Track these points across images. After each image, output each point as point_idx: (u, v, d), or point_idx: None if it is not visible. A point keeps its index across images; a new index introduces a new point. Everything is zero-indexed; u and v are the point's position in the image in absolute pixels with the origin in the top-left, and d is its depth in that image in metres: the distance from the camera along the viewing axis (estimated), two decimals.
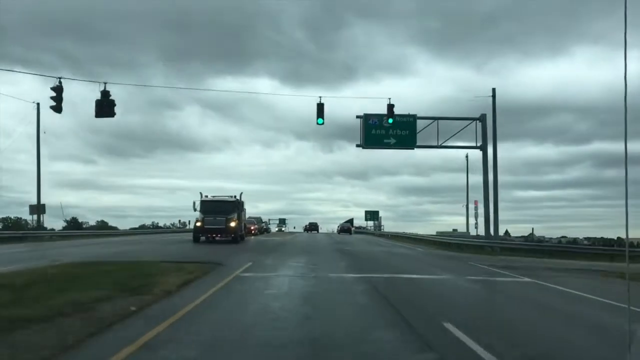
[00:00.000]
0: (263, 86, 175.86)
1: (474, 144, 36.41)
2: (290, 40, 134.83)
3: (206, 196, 36.93)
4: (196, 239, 34.80)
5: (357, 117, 34.01)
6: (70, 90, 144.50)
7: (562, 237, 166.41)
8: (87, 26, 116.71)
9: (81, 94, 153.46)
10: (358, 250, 32.03)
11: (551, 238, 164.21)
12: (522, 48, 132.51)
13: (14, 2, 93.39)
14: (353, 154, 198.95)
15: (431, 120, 35.75)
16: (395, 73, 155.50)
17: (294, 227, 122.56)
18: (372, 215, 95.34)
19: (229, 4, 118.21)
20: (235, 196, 38.04)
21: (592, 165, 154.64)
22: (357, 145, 34.54)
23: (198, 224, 35.16)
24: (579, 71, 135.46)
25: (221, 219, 34.35)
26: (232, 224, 34.75)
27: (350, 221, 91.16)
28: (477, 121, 35.68)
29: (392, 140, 32.77)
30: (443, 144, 36.10)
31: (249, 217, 53.01)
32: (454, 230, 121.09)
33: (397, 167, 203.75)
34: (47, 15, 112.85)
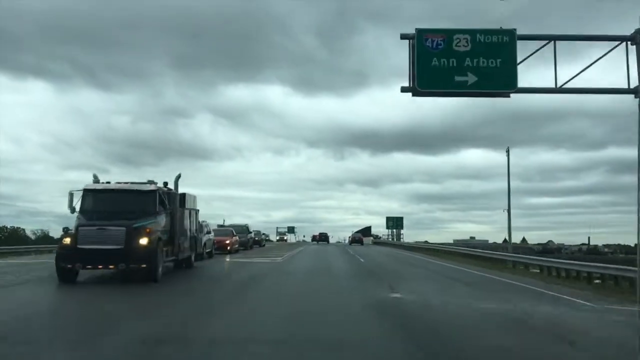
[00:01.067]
0: (274, 93, 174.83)
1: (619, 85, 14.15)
2: (301, 47, 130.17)
3: (96, 182, 19.03)
4: (64, 275, 15.98)
5: (403, 37, 15.35)
6: (83, 99, 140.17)
7: (582, 244, 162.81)
8: (99, 34, 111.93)
9: (94, 104, 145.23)
10: (422, 297, 14.50)
11: (570, 246, 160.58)
12: (537, 53, 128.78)
13: (26, 11, 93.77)
14: (365, 161, 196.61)
15: (545, 41, 14.89)
16: (407, 79, 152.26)
17: (304, 236, 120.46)
18: (394, 222, 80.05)
19: (240, 11, 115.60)
20: (153, 181, 19.26)
21: (608, 170, 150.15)
22: (404, 90, 15.55)
23: (66, 241, 16.23)
24: (595, 76, 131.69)
25: (116, 230, 16.02)
26: (142, 241, 16.11)
27: (367, 229, 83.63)
28: (628, 43, 13.87)
29: (472, 78, 14.89)
30: (565, 86, 14.27)
31: (228, 226, 39.81)
32: (472, 238, 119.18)
33: (410, 174, 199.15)
34: (59, 24, 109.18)
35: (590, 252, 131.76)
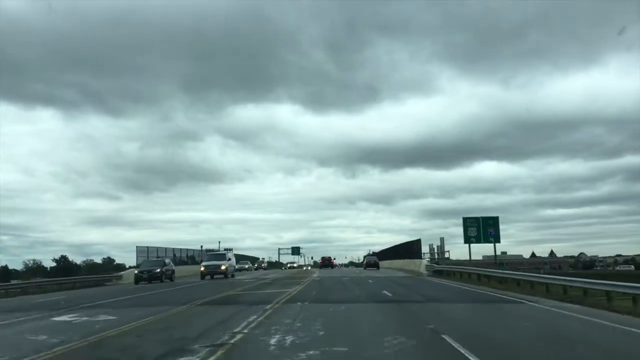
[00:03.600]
0: (284, 112, 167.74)
1: None
2: (312, 63, 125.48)
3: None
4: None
5: None
6: (92, 125, 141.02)
7: (618, 255, 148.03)
8: (107, 59, 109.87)
9: (103, 130, 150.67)
10: None
11: (605, 258, 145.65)
12: (552, 59, 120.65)
13: (33, 38, 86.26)
14: (376, 178, 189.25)
15: None
16: (419, 92, 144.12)
17: (312, 258, 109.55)
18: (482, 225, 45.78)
19: (249, 29, 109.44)
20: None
21: (624, 179, 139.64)
22: None
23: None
24: (612, 81, 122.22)
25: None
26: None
27: (412, 245, 51.57)
28: None
29: None
30: None
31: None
32: (503, 253, 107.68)
33: (423, 189, 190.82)
34: (67, 51, 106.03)
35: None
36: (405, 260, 49.66)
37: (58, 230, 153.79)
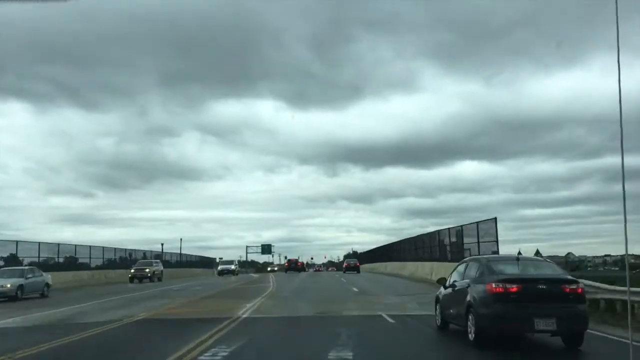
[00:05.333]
0: (266, 108, 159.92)
1: None
2: (295, 59, 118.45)
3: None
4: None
5: None
6: (65, 120, 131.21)
7: (607, 255, 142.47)
8: (82, 52, 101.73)
9: (77, 124, 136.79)
10: None
11: (594, 257, 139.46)
12: (536, 58, 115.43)
13: (5, 29, 78.25)
14: (357, 177, 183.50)
15: None
16: (402, 90, 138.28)
17: (285, 257, 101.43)
18: None
19: (231, 23, 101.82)
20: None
21: (602, 179, 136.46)
22: None
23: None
24: (594, 81, 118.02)
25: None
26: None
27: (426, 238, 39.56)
28: None
29: None
30: None
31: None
32: (519, 253, 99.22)
33: (403, 188, 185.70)
34: (40, 42, 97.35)
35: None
36: (429, 263, 33.76)
37: (31, 227, 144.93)
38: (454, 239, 32.05)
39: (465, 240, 27.66)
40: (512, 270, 9.46)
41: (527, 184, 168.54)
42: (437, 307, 11.78)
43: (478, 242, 25.01)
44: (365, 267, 66.00)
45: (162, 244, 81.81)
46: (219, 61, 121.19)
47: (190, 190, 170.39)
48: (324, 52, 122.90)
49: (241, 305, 16.64)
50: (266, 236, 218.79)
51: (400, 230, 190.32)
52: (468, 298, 9.66)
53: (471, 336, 9.36)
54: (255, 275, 51.91)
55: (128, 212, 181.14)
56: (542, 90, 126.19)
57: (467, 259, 11.81)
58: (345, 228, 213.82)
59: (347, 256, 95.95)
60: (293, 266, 65.95)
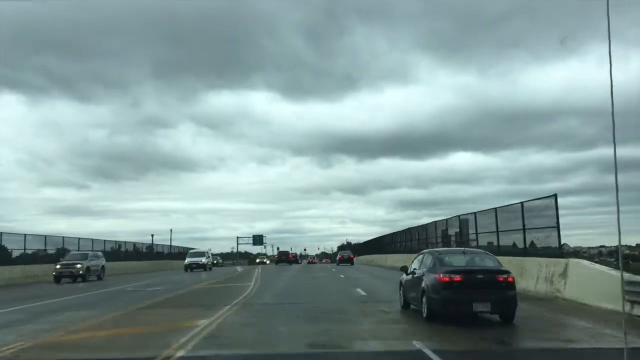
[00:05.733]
0: (260, 99, 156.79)
1: None
2: (289, 49, 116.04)
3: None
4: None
5: None
6: (58, 111, 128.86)
7: (601, 246, 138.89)
8: (75, 42, 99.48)
9: (70, 116, 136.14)
10: None
11: (589, 248, 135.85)
12: (531, 49, 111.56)
13: None
14: (351, 168, 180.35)
15: None
16: (397, 81, 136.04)
17: (278, 249, 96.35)
18: None
19: (224, 13, 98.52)
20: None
21: (596, 170, 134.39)
22: None
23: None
24: (589, 72, 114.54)
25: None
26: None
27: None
28: None
29: None
30: None
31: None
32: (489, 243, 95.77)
33: (397, 179, 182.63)
34: (33, 33, 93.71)
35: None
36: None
37: (24, 219, 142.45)
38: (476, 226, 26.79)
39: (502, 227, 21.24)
40: (458, 262, 11.57)
41: (520, 176, 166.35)
42: (401, 290, 13.63)
43: (523, 228, 18.44)
44: (361, 259, 60.41)
45: (152, 235, 76.75)
46: (212, 52, 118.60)
47: (184, 182, 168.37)
48: (318, 42, 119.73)
49: (191, 325, 10.54)
50: (260, 227, 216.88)
51: (394, 221, 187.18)
52: (423, 285, 11.62)
53: (424, 314, 11.37)
54: (240, 269, 45.07)
55: (122, 204, 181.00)
56: (536, 82, 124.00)
57: (424, 251, 13.65)
58: (339, 219, 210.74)
59: (340, 248, 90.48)
60: (284, 258, 61.07)
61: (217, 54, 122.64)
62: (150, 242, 69.79)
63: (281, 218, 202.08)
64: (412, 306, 12.74)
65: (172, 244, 71.21)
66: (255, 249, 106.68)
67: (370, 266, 45.50)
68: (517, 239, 19.42)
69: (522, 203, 18.90)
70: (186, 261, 44.02)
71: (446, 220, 31.18)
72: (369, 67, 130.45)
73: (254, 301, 15.33)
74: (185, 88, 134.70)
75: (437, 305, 10.87)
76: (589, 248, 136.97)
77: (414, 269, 12.72)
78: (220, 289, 20.78)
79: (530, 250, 18.20)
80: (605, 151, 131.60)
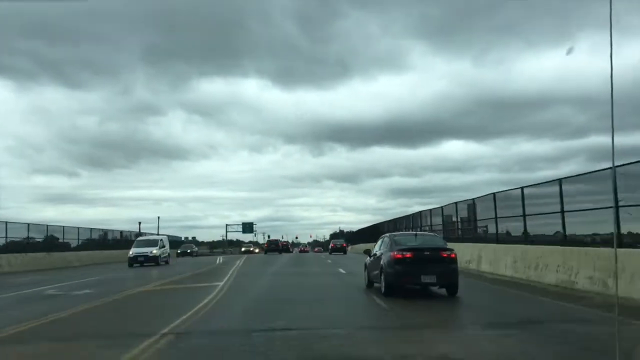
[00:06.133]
0: (251, 87, 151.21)
1: None
2: (281, 35, 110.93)
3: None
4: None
5: None
6: (47, 97, 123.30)
7: (594, 234, 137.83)
8: (63, 27, 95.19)
9: (59, 102, 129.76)
10: None
11: (584, 236, 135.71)
12: (525, 36, 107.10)
13: None
14: (343, 156, 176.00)
15: None
16: (390, 68, 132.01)
17: (268, 237, 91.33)
18: None
19: None
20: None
21: (588, 159, 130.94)
22: None
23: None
24: (584, 59, 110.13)
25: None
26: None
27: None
28: None
29: None
30: None
31: None
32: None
33: (389, 168, 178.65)
34: (21, 17, 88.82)
35: None
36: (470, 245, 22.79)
37: (14, 207, 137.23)
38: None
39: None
40: (410, 242, 13.35)
41: (512, 164, 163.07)
42: (365, 272, 15.23)
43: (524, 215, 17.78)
44: (356, 247, 54.55)
45: (140, 223, 70.79)
46: (204, 38, 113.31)
47: (175, 170, 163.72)
48: (310, 28, 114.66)
49: None
50: (251, 215, 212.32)
51: (385, 209, 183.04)
52: (381, 262, 13.20)
53: (382, 289, 12.82)
54: (221, 260, 37.92)
55: (113, 192, 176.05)
56: (530, 69, 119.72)
57: (384, 235, 15.10)
58: (330, 207, 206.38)
59: (333, 236, 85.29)
60: (273, 247, 56.31)
61: (208, 40, 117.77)
62: (138, 231, 64.17)
63: (273, 206, 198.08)
64: (375, 284, 13.98)
65: (163, 232, 65.39)
66: (246, 237, 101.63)
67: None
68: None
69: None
70: (130, 253, 32.55)
71: (455, 204, 27.30)
72: (362, 53, 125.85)
73: (202, 327, 8.54)
74: (176, 74, 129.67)
75: (391, 278, 12.53)
76: (584, 235, 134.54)
77: (376, 251, 14.27)
78: (165, 296, 13.99)
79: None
80: (597, 139, 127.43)
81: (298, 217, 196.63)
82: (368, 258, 14.77)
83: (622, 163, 13.40)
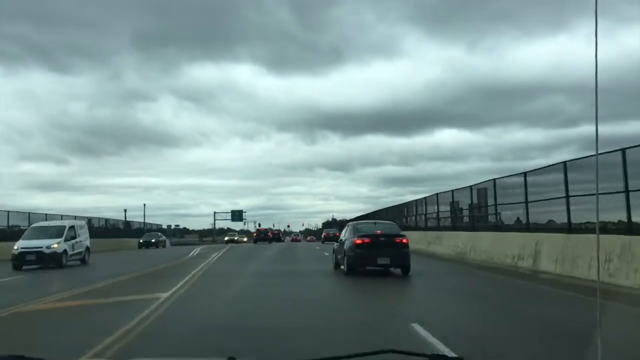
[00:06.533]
0: (244, 73, 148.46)
1: None
2: (275, 21, 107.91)
3: None
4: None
5: None
6: (35, 82, 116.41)
7: (587, 222, 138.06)
8: (52, 10, 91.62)
9: (48, 87, 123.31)
10: None
11: (580, 224, 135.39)
12: (520, 23, 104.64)
13: None
14: (336, 145, 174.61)
15: None
16: (384, 55, 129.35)
17: (259, 225, 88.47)
18: None
19: None
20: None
21: (580, 148, 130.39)
22: None
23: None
24: (579, 47, 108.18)
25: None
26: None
27: None
28: None
29: None
30: None
31: None
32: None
33: (382, 156, 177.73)
34: (8, 0, 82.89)
35: None
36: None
37: (1, 194, 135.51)
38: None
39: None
40: (368, 229, 15.37)
41: (505, 152, 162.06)
42: (333, 255, 17.22)
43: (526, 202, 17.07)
44: None
45: (125, 210, 68.39)
46: (195, 23, 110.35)
47: (166, 157, 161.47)
48: (304, 14, 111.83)
49: None
50: (243, 204, 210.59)
51: (378, 198, 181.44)
52: (344, 247, 15.20)
53: (345, 270, 14.73)
54: (197, 251, 32.67)
55: (102, 179, 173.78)
56: (524, 58, 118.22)
57: (349, 224, 17.66)
58: (322, 196, 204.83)
59: (326, 224, 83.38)
60: (262, 236, 54.26)
61: (200, 24, 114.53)
62: (124, 219, 61.70)
63: (265, 194, 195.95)
64: (341, 267, 15.58)
65: (153, 221, 62.71)
66: (237, 226, 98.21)
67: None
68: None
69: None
70: (15, 248, 21.08)
71: (451, 191, 25.77)
72: (356, 40, 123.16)
73: None
74: (166, 60, 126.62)
75: (352, 260, 14.53)
76: (580, 224, 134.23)
77: (342, 237, 16.29)
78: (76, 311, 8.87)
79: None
80: (590, 128, 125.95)
81: (290, 206, 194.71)
82: (335, 244, 17.13)
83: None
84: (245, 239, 71.58)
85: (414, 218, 34.07)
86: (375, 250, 14.14)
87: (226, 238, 68.78)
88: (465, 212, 25.84)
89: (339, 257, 15.70)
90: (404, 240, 14.60)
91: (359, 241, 14.33)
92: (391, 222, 19.89)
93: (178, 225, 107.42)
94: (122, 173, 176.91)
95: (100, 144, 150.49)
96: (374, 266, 14.22)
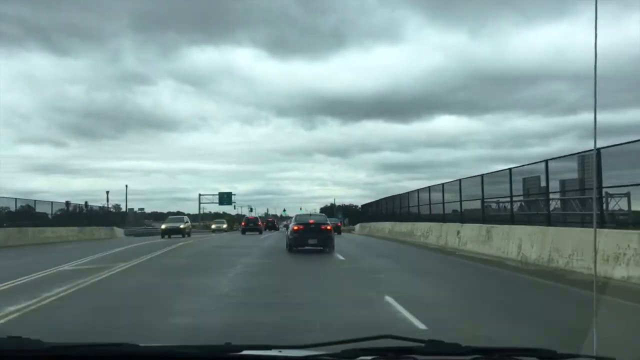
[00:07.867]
0: (244, 56, 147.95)
1: None
2: (276, 4, 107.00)
3: None
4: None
5: None
6: (33, 64, 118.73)
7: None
8: None
9: (46, 69, 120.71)
10: None
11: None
12: (523, 9, 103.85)
13: None
14: (335, 130, 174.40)
15: None
16: (385, 40, 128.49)
17: (250, 210, 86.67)
18: None
19: None
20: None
21: (579, 136, 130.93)
22: None
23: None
24: (582, 33, 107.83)
25: None
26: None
27: None
28: None
29: None
30: None
31: None
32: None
33: (380, 142, 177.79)
34: None
35: None
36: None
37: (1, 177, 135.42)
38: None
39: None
40: (303, 219, 21.20)
41: (504, 140, 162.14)
42: (286, 240, 21.67)
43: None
44: (375, 226, 42.91)
45: (108, 192, 66.90)
46: (195, 5, 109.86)
47: (164, 141, 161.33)
48: None
49: None
50: (241, 189, 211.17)
51: (375, 184, 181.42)
52: (287, 233, 21.81)
53: (287, 249, 20.51)
54: (113, 252, 15.56)
55: (101, 162, 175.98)
56: (526, 44, 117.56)
57: (295, 215, 24.03)
58: (320, 181, 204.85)
59: (322, 210, 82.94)
60: (252, 226, 48.30)
61: (200, 7, 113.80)
62: (106, 203, 59.39)
63: (263, 179, 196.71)
64: (293, 248, 20.07)
65: (153, 206, 59.93)
66: (226, 211, 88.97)
67: (412, 245, 25.47)
68: None
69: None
70: None
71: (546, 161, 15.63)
72: (357, 24, 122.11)
73: None
74: (166, 43, 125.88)
75: (291, 242, 20.16)
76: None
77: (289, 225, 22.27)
78: None
79: None
80: (589, 116, 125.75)
81: (287, 191, 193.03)
82: (287, 230, 22.85)
83: None
84: (224, 226, 60.90)
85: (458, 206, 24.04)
86: (307, 234, 19.78)
87: (213, 226, 61.07)
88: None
89: (286, 240, 21.43)
90: (328, 227, 20.28)
91: (295, 227, 20.05)
92: (322, 214, 33.26)
93: (142, 209, 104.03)
94: (120, 156, 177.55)
95: (99, 127, 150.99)
96: (306, 246, 19.65)
